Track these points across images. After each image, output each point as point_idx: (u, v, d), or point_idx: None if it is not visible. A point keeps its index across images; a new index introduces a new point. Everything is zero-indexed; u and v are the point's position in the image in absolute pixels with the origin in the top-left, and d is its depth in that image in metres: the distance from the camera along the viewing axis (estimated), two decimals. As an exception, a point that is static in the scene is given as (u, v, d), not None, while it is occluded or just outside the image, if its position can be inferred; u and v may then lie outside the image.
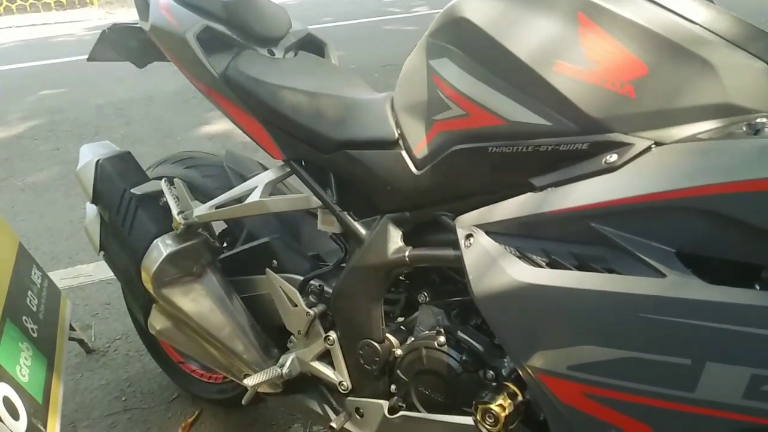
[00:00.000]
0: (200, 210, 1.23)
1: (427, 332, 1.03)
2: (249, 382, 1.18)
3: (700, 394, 0.67)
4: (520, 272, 0.78)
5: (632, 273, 0.70)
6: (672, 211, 0.66)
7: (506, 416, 0.81)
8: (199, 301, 1.26)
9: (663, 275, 0.67)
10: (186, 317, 1.26)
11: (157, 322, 1.33)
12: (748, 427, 0.66)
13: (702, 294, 0.64)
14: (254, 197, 1.15)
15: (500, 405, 0.82)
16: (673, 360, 0.67)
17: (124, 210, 1.31)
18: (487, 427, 0.83)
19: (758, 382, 0.63)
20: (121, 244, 1.33)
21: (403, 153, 0.97)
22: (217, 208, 1.21)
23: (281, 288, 1.18)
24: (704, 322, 0.64)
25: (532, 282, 0.77)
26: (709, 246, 0.66)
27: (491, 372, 0.94)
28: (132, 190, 1.32)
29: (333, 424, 1.12)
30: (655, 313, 0.67)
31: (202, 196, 1.35)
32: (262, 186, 1.16)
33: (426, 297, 1.05)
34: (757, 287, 0.65)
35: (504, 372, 0.93)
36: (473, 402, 0.85)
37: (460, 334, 0.99)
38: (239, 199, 1.19)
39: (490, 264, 0.82)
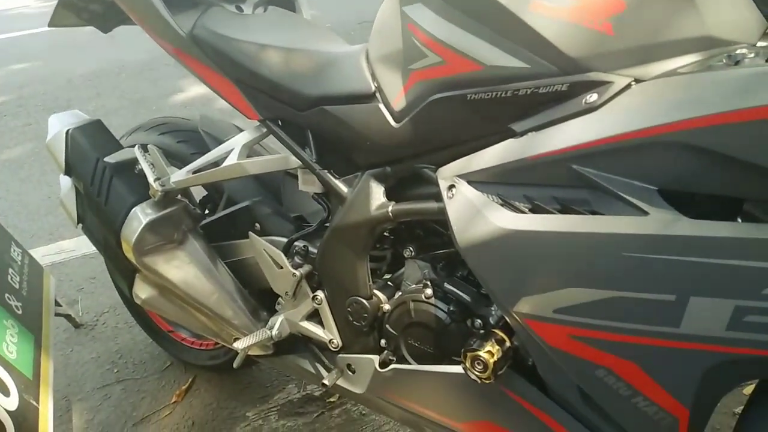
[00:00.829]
0: (177, 176, 1.20)
1: (414, 286, 1.03)
2: (239, 345, 1.18)
3: (685, 328, 0.68)
4: (504, 219, 0.78)
5: (615, 213, 0.70)
6: (653, 148, 0.65)
7: (495, 362, 0.82)
8: (182, 269, 1.25)
9: (646, 213, 0.67)
10: (171, 285, 1.25)
11: (142, 291, 1.32)
12: (731, 358, 0.67)
13: (685, 230, 0.64)
14: (231, 160, 1.13)
15: (488, 351, 0.82)
16: (658, 297, 0.68)
17: (99, 180, 1.28)
18: (477, 373, 0.84)
19: (741, 314, 0.64)
20: (98, 214, 1.30)
21: (381, 106, 0.95)
22: (194, 173, 1.18)
23: (265, 251, 1.17)
24: (688, 258, 0.64)
25: (515, 228, 0.76)
26: (691, 181, 0.66)
27: (479, 321, 0.94)
28: (105, 159, 1.28)
29: (325, 381, 1.13)
30: (638, 251, 0.67)
31: (179, 162, 1.33)
32: (239, 148, 1.14)
33: (412, 251, 1.05)
34: (739, 220, 0.65)
35: (492, 320, 0.93)
36: (462, 350, 0.85)
37: (446, 285, 0.99)
38: (216, 163, 1.17)
39: (473, 213, 0.81)
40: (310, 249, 1.16)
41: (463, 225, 0.83)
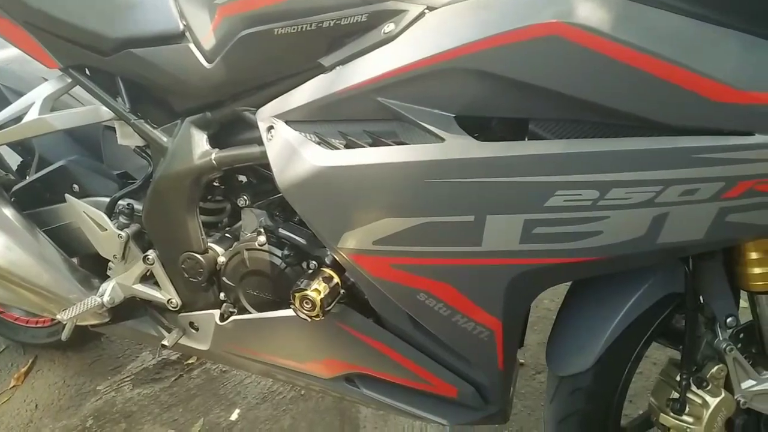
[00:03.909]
0: (-32, 138, 1.06)
1: (249, 235, 1.01)
2: (62, 316, 1.09)
3: (486, 246, 0.72)
4: (319, 157, 0.77)
5: (417, 142, 0.71)
6: (444, 75, 0.67)
7: (322, 299, 0.82)
8: (-8, 241, 1.12)
9: (442, 140, 0.69)
10: (-20, 261, 1.12)
11: (-52, 271, 1.16)
12: (528, 268, 0.73)
13: (476, 152, 0.67)
14: (32, 115, 1.01)
15: (315, 290, 0.83)
16: (460, 219, 0.71)
17: None
18: (306, 312, 0.84)
19: (530, 226, 0.69)
20: None
21: (191, 46, 0.90)
22: (-11, 132, 1.05)
23: (86, 213, 1.07)
24: (481, 179, 0.68)
25: (330, 165, 0.76)
26: (482, 106, 0.69)
27: (314, 262, 0.94)
28: None
29: (165, 342, 1.09)
30: (438, 177, 0.69)
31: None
32: (41, 101, 1.02)
33: (246, 200, 1.02)
34: (526, 139, 0.69)
35: (327, 260, 0.94)
36: (290, 291, 0.85)
37: (281, 231, 0.98)
38: (18, 119, 1.04)
39: (291, 153, 0.80)
40: (136, 207, 1.09)
41: (283, 166, 0.81)
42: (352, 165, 0.74)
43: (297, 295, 0.84)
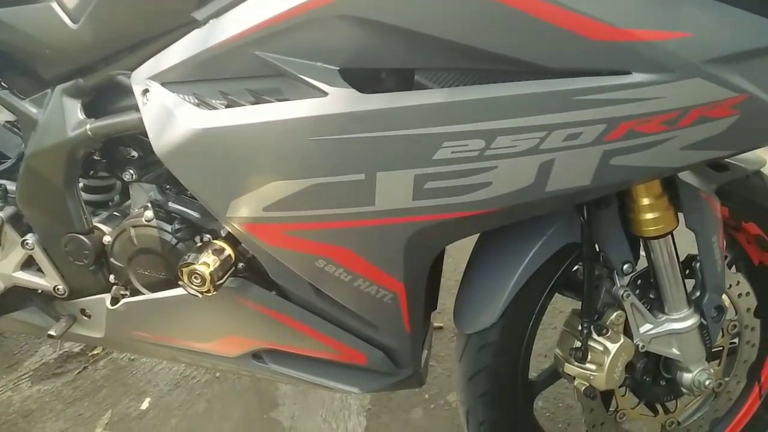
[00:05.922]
0: None
1: (136, 211, 0.93)
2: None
3: (380, 205, 0.69)
4: (197, 119, 0.71)
5: (300, 98, 0.67)
6: (322, 23, 0.63)
7: (212, 273, 0.77)
8: None
9: (325, 94, 0.65)
10: None
11: None
12: (423, 226, 0.71)
13: (360, 105, 0.64)
14: None
15: (204, 263, 0.77)
16: (350, 178, 0.68)
17: None
18: (195, 288, 0.78)
19: (421, 182, 0.66)
20: None
21: (54, 5, 0.82)
22: None
23: (-52, 198, 0.97)
24: (368, 134, 0.65)
25: (208, 127, 0.71)
26: (364, 57, 0.65)
27: (208, 236, 0.89)
28: None
29: (52, 332, 1.00)
30: (322, 133, 0.66)
31: None
32: None
33: (133, 175, 0.94)
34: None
35: (222, 233, 0.88)
36: (178, 266, 0.79)
37: (171, 204, 0.91)
38: None
39: (168, 117, 0.74)
40: (9, 188, 0.99)
41: (159, 131, 0.75)
42: (232, 126, 0.69)
43: (185, 269, 0.78)
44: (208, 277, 0.77)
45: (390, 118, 0.63)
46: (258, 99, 0.71)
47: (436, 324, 1.45)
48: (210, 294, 0.79)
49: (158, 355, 1.06)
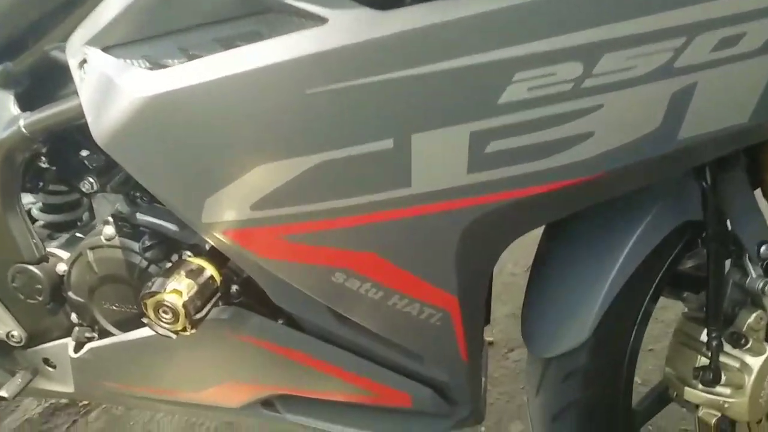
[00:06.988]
0: None
1: (95, 229, 0.72)
2: None
3: (418, 185, 0.47)
4: (145, 83, 0.50)
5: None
6: None
7: (186, 303, 0.55)
8: None
9: (324, 20, 0.43)
10: None
11: None
12: (482, 211, 0.48)
13: (377, 29, 0.41)
14: None
15: (174, 291, 0.55)
16: (372, 148, 0.46)
17: None
18: (165, 325, 0.56)
19: (481, 143, 0.44)
20: None
21: None
22: None
23: None
24: (390, 74, 0.42)
25: (161, 91, 0.49)
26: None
27: (188, 253, 0.67)
28: None
29: (2, 393, 0.79)
30: (324, 82, 0.43)
31: None
32: None
33: (93, 183, 0.73)
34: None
35: (207, 247, 0.67)
36: (139, 298, 0.57)
37: (139, 216, 0.70)
38: None
39: (108, 88, 0.53)
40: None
41: (98, 109, 0.54)
42: (194, 85, 0.47)
43: (148, 301, 0.56)
44: (181, 311, 0.54)
45: (425, 45, 0.41)
46: (229, 47, 0.49)
47: (487, 338, 1.21)
48: (187, 333, 0.56)
49: (149, 408, 0.85)
